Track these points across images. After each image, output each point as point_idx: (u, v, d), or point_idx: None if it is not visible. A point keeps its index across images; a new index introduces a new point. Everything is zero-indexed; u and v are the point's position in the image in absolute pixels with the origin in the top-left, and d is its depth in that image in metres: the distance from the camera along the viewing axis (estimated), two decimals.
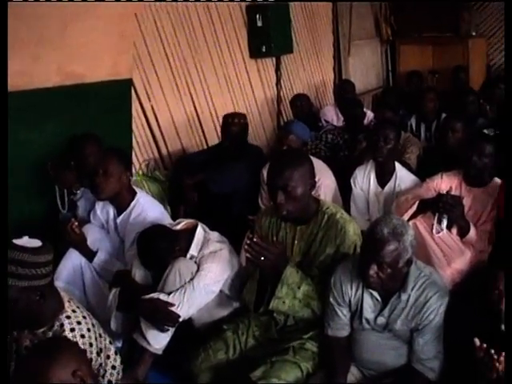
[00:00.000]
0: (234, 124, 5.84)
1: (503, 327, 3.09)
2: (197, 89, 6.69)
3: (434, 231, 4.16)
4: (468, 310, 3.23)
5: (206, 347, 3.68)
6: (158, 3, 6.14)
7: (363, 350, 3.45)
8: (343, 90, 7.99)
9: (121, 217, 4.47)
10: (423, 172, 5.10)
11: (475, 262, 4.17)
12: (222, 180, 5.50)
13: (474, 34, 10.35)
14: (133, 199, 4.45)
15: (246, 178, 5.58)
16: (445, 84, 9.39)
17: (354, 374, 3.49)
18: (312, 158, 4.05)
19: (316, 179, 3.61)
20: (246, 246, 3.24)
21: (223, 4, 6.94)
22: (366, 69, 10.17)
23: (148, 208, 4.44)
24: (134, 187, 4.59)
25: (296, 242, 3.60)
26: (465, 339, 2.93)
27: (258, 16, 7.18)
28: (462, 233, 4.22)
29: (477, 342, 2.84)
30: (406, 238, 3.10)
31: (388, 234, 3.06)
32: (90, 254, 4.32)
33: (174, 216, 5.01)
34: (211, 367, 3.63)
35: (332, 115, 7.54)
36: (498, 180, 4.50)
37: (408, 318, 3.26)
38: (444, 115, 6.68)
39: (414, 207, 4.30)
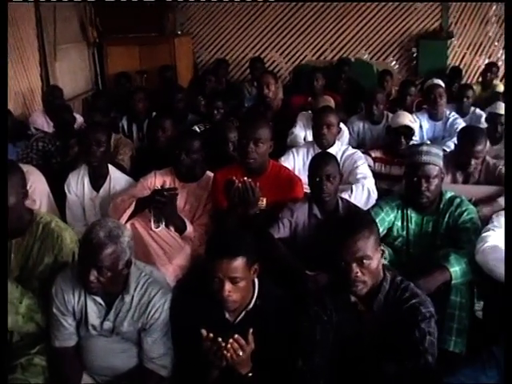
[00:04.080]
0: None
1: (227, 315, 3.21)
2: None
3: (152, 227, 4.22)
4: (194, 303, 3.30)
5: None
6: None
7: (93, 356, 3.45)
8: (51, 96, 7.80)
9: None
10: (137, 172, 5.16)
11: (196, 255, 4.28)
12: None
13: (179, 32, 10.53)
14: None
15: None
16: (154, 83, 9.53)
17: (87, 382, 3.48)
18: (23, 165, 3.96)
19: (28, 186, 3.58)
20: None
21: None
22: (74, 73, 9.99)
23: None
24: None
25: (13, 255, 3.51)
26: (194, 332, 2.99)
27: None
28: (180, 231, 4.33)
29: (203, 332, 2.92)
30: (123, 240, 3.14)
31: (104, 238, 3.08)
32: None
33: None
34: None
35: (41, 122, 7.35)
36: (210, 174, 4.66)
37: (134, 318, 3.31)
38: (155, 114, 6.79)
39: (132, 207, 4.32)
